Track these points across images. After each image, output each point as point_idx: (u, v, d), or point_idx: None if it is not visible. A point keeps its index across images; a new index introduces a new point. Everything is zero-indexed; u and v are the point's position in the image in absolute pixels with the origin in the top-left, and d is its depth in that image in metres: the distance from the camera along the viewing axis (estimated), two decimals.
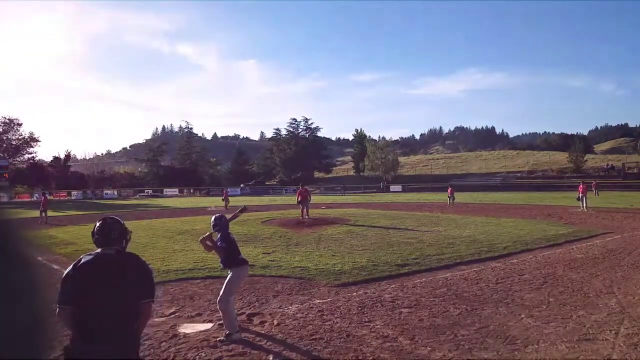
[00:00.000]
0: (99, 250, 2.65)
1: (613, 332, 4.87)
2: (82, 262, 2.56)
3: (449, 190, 28.02)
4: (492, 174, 65.89)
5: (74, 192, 54.92)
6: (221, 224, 5.16)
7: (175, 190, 61.55)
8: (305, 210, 18.98)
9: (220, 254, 5.15)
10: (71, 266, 2.56)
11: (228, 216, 5.45)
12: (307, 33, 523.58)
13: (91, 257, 2.59)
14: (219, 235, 5.16)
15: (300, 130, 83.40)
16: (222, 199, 31.20)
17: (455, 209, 24.78)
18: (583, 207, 21.12)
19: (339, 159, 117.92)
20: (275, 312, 5.89)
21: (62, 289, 2.48)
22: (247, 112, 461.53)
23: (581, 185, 21.95)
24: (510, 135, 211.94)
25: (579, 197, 21.74)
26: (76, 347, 2.43)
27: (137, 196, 57.80)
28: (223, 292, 5.04)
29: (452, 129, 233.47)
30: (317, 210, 23.64)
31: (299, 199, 19.21)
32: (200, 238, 5.29)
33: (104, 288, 2.50)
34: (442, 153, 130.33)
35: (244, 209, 5.99)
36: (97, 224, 2.72)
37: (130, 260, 2.68)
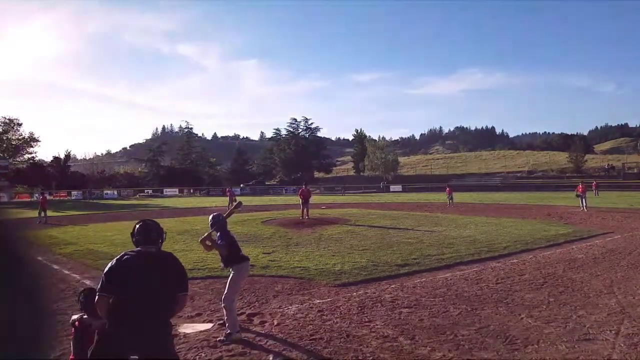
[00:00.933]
0: (140, 248, 2.91)
1: (613, 332, 4.87)
2: (125, 257, 2.82)
3: (447, 190, 28.04)
4: (492, 174, 65.89)
5: (74, 192, 54.81)
6: (219, 223, 5.16)
7: (175, 190, 61.46)
8: (305, 210, 18.98)
9: (221, 253, 5.15)
10: (114, 260, 2.81)
11: (225, 214, 5.46)
12: (307, 33, 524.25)
13: (134, 253, 2.86)
14: (218, 234, 5.16)
15: (300, 130, 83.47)
16: (228, 199, 28.99)
17: (455, 209, 24.78)
18: (583, 207, 21.12)
19: (339, 159, 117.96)
20: (275, 312, 5.89)
21: (105, 278, 2.73)
22: (247, 112, 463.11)
23: (580, 185, 21.95)
24: (510, 135, 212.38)
25: (577, 194, 21.76)
26: (112, 331, 2.67)
27: (137, 196, 57.71)
28: (227, 290, 5.06)
29: (452, 129, 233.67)
30: (317, 210, 23.64)
31: (302, 199, 19.20)
32: (200, 238, 5.29)
33: (146, 280, 2.76)
34: (442, 153, 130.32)
35: (239, 205, 5.99)
36: (138, 226, 3.00)
37: (168, 258, 3.01)
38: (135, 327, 2.65)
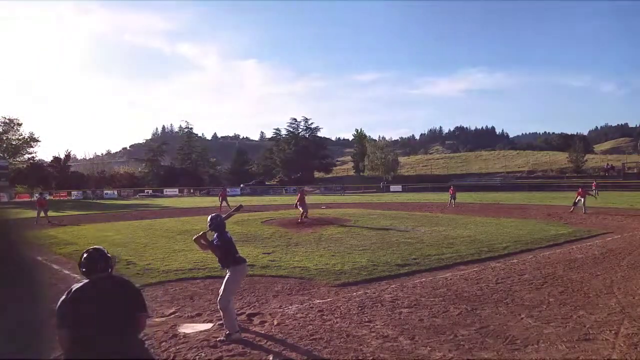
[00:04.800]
0: (88, 278, 2.85)
1: (613, 332, 4.88)
2: (74, 289, 2.76)
3: (450, 190, 27.94)
4: (492, 174, 65.87)
5: (74, 192, 54.83)
6: (217, 223, 5.16)
7: (175, 190, 61.44)
8: (302, 211, 18.22)
9: (215, 253, 5.14)
10: (64, 294, 2.74)
11: (224, 215, 5.45)
12: (307, 33, 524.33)
13: (82, 284, 2.81)
14: (215, 235, 5.15)
15: (300, 130, 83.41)
16: (219, 200, 28.23)
17: (455, 209, 24.77)
18: (583, 209, 20.46)
19: (339, 159, 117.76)
20: (275, 312, 5.89)
21: (60, 314, 2.65)
22: (247, 112, 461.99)
23: (580, 190, 21.06)
24: (510, 135, 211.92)
25: (576, 201, 20.83)
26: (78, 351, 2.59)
27: (137, 196, 57.68)
28: (223, 292, 5.04)
29: (452, 129, 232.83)
30: (317, 210, 23.64)
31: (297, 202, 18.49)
32: (194, 237, 5.27)
33: (100, 308, 2.70)
34: (442, 153, 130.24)
35: (240, 208, 5.94)
36: (83, 257, 2.90)
37: (119, 281, 2.95)
38: (97, 354, 2.59)
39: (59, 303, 2.69)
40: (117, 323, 2.69)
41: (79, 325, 2.63)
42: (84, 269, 2.86)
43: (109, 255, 2.97)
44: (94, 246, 3.03)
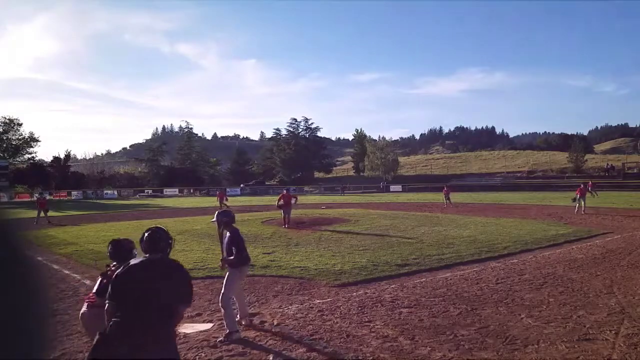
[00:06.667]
0: (147, 256, 2.94)
1: (613, 332, 4.87)
2: (131, 264, 2.84)
3: (444, 191, 27.80)
4: (492, 174, 65.87)
5: (74, 192, 54.84)
6: (228, 220, 5.27)
7: (175, 190, 61.43)
8: (286, 217, 16.44)
9: (240, 246, 5.20)
10: (122, 267, 2.84)
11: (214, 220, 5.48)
12: (307, 33, 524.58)
13: (139, 260, 2.87)
14: (228, 234, 5.22)
15: (300, 130, 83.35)
16: (217, 201, 27.46)
17: (455, 209, 24.76)
18: (582, 208, 20.36)
19: (339, 159, 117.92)
20: (275, 312, 5.89)
21: (112, 286, 2.76)
22: (247, 112, 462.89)
23: (580, 187, 20.95)
24: (510, 135, 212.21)
25: (575, 198, 20.80)
26: (108, 336, 2.63)
27: (137, 196, 57.66)
28: (224, 290, 5.10)
29: (452, 129, 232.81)
30: (317, 210, 23.64)
31: (280, 203, 16.73)
32: (221, 264, 5.35)
33: (149, 287, 2.76)
34: (442, 153, 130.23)
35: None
36: (146, 233, 3.03)
37: (174, 265, 2.96)
38: (130, 336, 2.60)
39: (115, 274, 2.80)
40: (155, 312, 2.69)
41: (122, 304, 2.69)
42: (145, 245, 2.96)
43: (170, 236, 3.07)
44: (157, 225, 3.18)
